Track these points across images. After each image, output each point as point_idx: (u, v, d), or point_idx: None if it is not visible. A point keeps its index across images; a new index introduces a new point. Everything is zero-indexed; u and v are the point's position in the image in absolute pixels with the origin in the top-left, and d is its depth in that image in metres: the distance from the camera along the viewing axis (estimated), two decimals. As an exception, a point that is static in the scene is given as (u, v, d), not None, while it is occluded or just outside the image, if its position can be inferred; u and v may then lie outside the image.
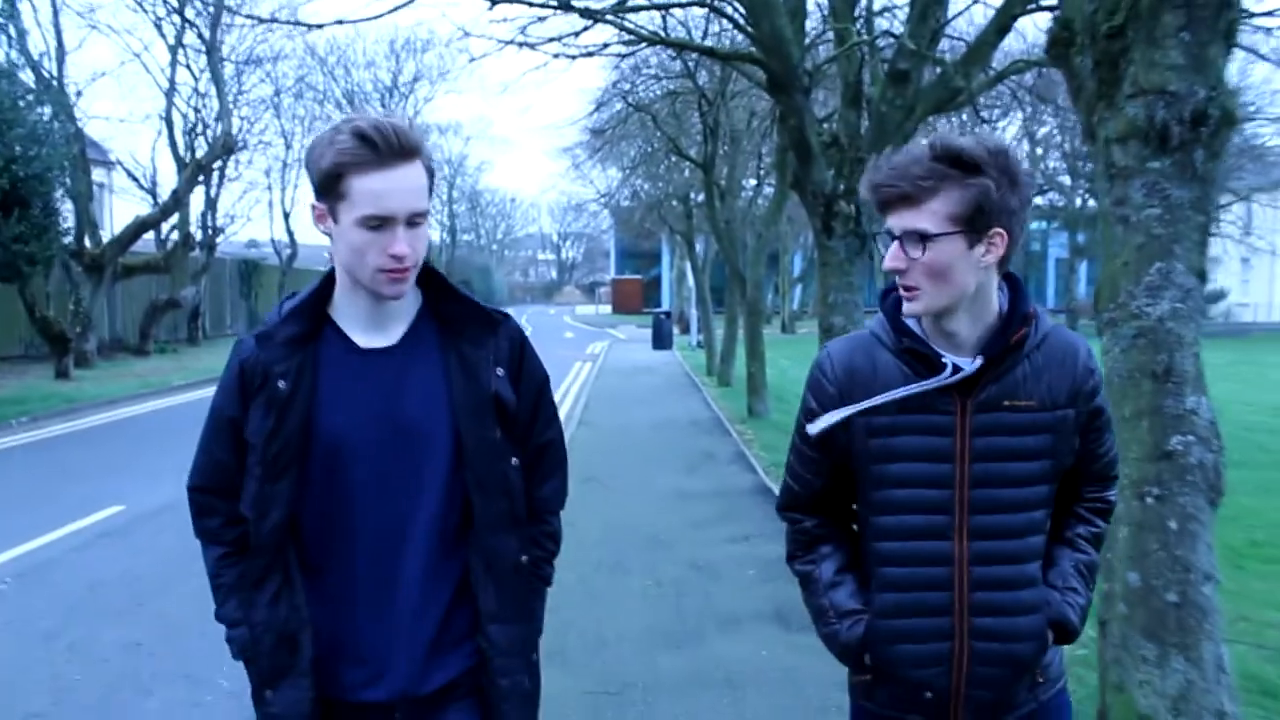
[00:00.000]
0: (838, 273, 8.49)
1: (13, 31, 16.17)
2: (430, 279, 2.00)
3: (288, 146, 35.50)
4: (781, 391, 17.07)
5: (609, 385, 20.43)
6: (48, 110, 16.63)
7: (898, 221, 1.87)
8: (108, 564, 7.18)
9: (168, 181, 28.27)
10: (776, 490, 7.84)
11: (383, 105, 42.37)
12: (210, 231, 29.10)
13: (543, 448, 2.15)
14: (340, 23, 9.18)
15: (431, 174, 1.90)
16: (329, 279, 1.99)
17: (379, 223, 1.82)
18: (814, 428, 2.00)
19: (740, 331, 18.26)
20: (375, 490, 1.94)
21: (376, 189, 1.80)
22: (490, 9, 9.22)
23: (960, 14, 10.30)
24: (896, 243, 1.87)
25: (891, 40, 8.73)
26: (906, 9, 9.18)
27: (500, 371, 2.01)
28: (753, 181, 20.23)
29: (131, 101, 63.73)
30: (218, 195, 29.57)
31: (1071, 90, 4.38)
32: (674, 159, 19.75)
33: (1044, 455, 1.96)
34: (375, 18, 9.34)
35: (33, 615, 6.08)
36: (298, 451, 1.93)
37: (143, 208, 27.52)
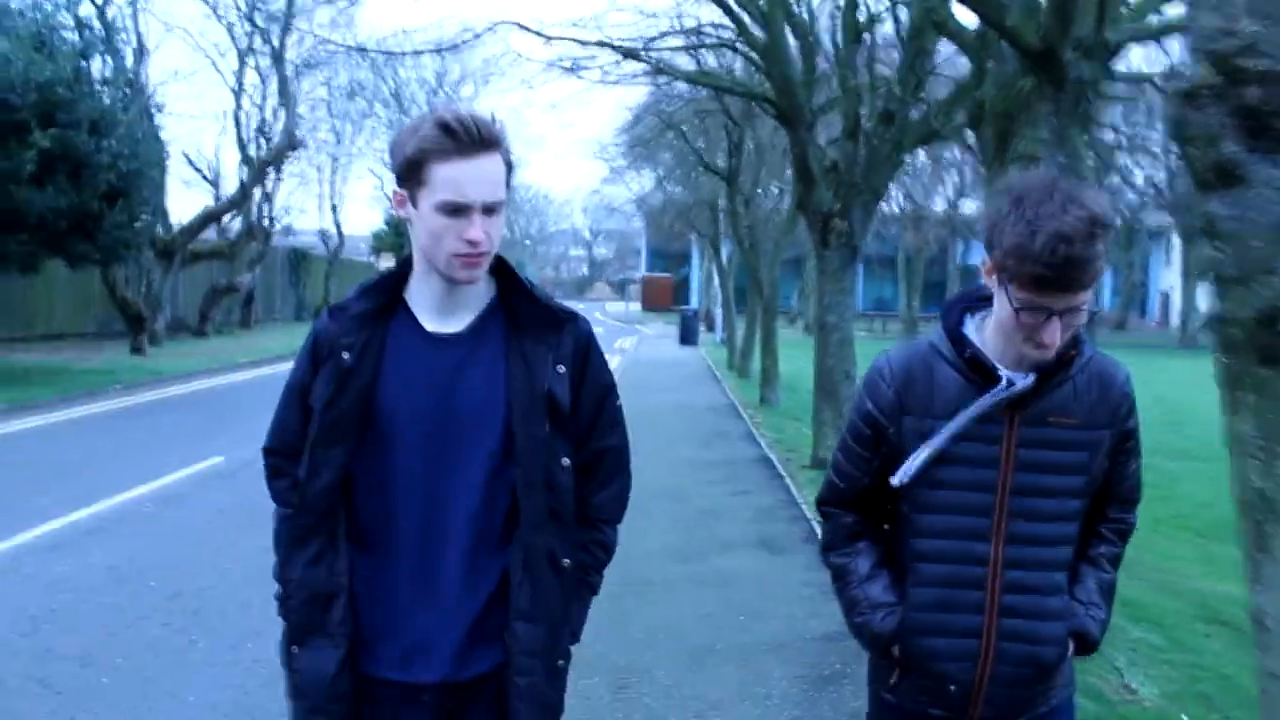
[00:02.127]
0: (833, 279, 10.12)
1: (109, 45, 18.02)
2: (504, 272, 2.06)
3: (339, 143, 37.38)
4: (794, 384, 18.69)
5: (637, 376, 22.10)
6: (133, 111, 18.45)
7: (1064, 301, 1.88)
8: (225, 496, 8.87)
9: (228, 174, 30.20)
10: (776, 460, 9.66)
11: (427, 105, 44.12)
12: (268, 222, 31.06)
13: (602, 453, 2.14)
14: (418, 53, 10.88)
15: (510, 167, 1.96)
16: (407, 262, 2.06)
17: (456, 209, 1.87)
18: (898, 479, 2.07)
19: (758, 329, 19.89)
20: (420, 473, 1.98)
21: (455, 176, 1.86)
22: (547, 45, 10.94)
23: (944, 61, 11.81)
24: (1056, 319, 1.90)
25: (886, 83, 10.30)
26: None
27: (561, 369, 2.03)
28: (775, 191, 21.80)
29: (201, 100, 66.42)
30: (275, 188, 31.56)
31: (980, 151, 6.00)
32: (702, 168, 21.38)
33: (1080, 471, 2.05)
34: (455, 48, 10.99)
35: (180, 529, 7.79)
36: (354, 423, 1.98)
37: (201, 197, 29.49)
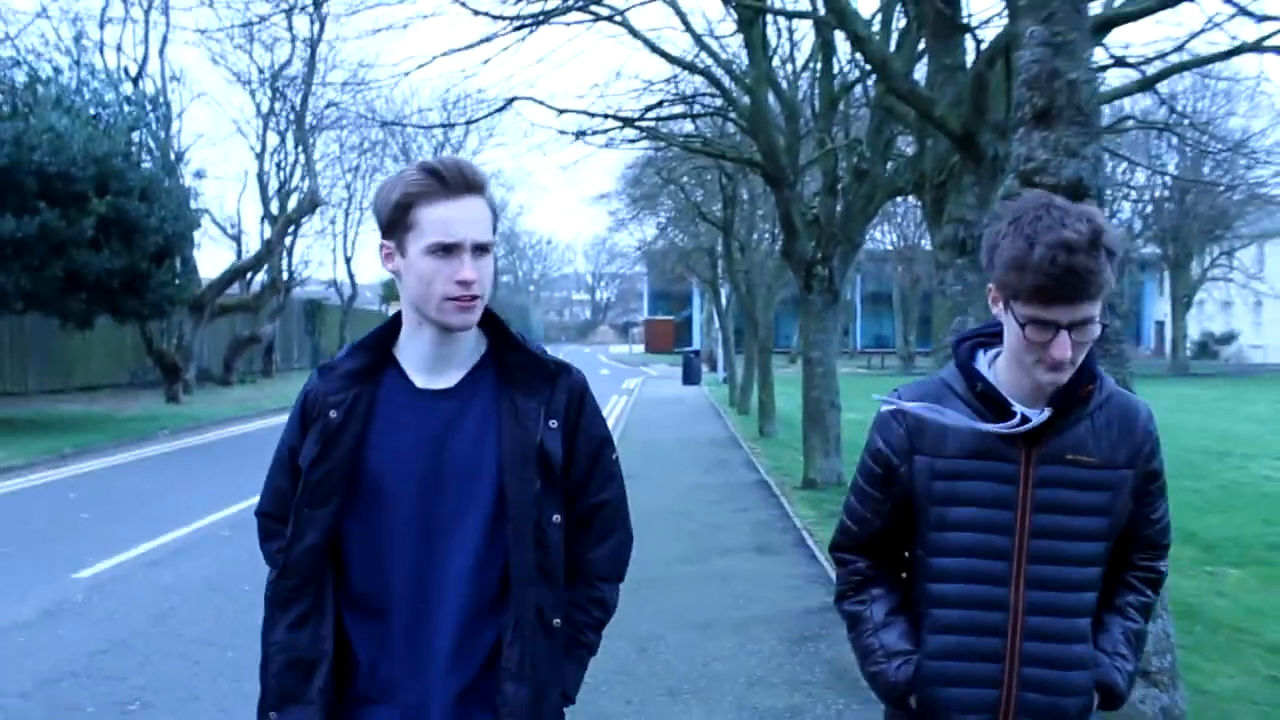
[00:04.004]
0: (816, 319, 11.42)
1: (153, 120, 19.58)
2: (494, 326, 2.03)
3: (350, 198, 38.99)
4: (791, 418, 19.93)
5: (643, 414, 23.40)
6: (174, 179, 19.95)
7: (1070, 313, 1.82)
8: (288, 522, 10.11)
9: (248, 230, 31.59)
10: (773, 484, 11.07)
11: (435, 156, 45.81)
12: (288, 275, 32.58)
13: (597, 507, 2.11)
14: (448, 125, 12.22)
15: (495, 213, 1.96)
16: (397, 320, 2.04)
17: (447, 249, 1.86)
18: (889, 404, 2.05)
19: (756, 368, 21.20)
20: (414, 532, 1.96)
21: (444, 216, 1.86)
22: (558, 116, 12.29)
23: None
24: (1065, 333, 1.83)
25: (859, 144, 11.66)
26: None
27: (553, 424, 2.01)
28: (768, 238, 23.23)
29: (225, 161, 68.85)
30: (293, 243, 33.06)
31: (924, 213, 7.30)
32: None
33: (1102, 512, 1.97)
34: (477, 120, 12.36)
35: (255, 548, 9.00)
36: (341, 482, 1.96)
37: (223, 252, 31.07)
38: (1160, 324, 57.42)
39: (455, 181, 1.87)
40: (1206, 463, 15.71)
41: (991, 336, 2.04)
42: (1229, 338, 56.29)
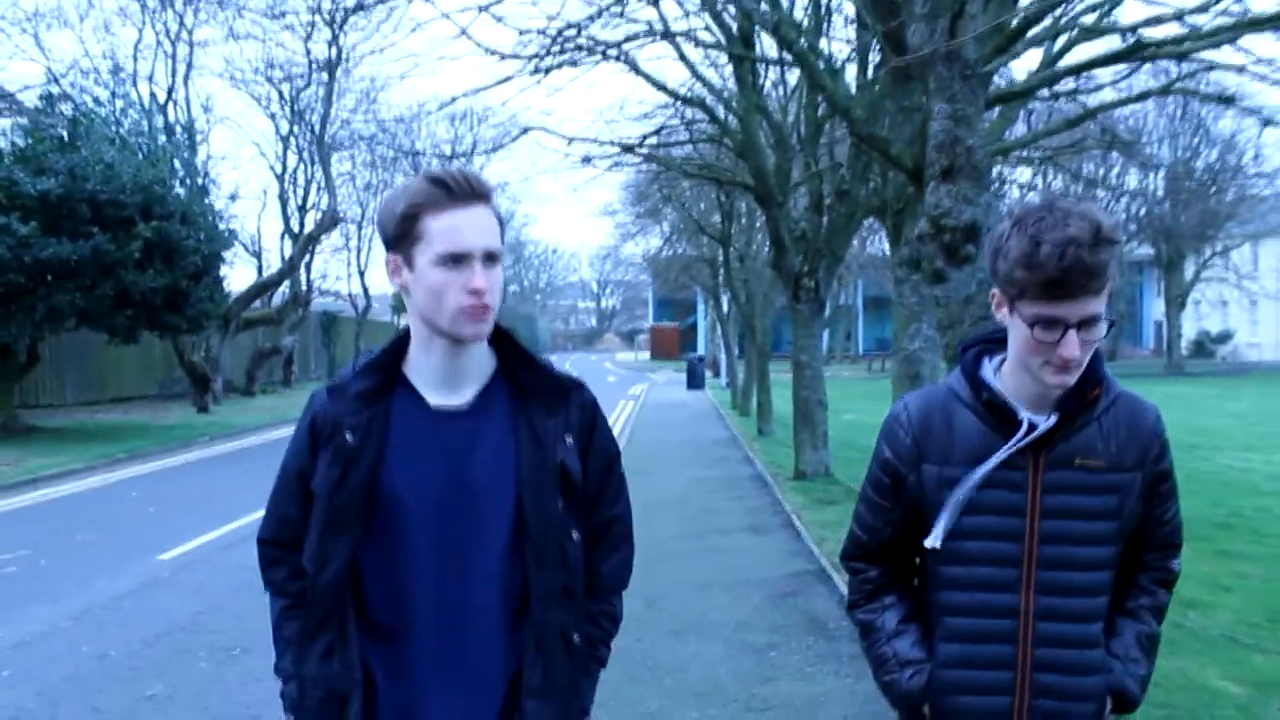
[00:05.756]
0: (804, 326, 12.61)
1: (185, 152, 20.90)
2: (504, 343, 2.02)
3: (363, 213, 40.31)
4: (787, 418, 21.13)
5: (650, 417, 24.64)
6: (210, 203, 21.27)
7: (1076, 309, 1.81)
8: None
9: (268, 246, 32.85)
10: (768, 476, 12.44)
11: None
12: (306, 288, 33.93)
13: (608, 522, 2.12)
14: (466, 155, 13.39)
15: (501, 222, 1.93)
16: (404, 336, 2.01)
17: (456, 258, 1.84)
18: (932, 541, 2.00)
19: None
20: (435, 553, 1.93)
21: (452, 225, 1.84)
22: (568, 144, 13.50)
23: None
24: (1074, 332, 1.81)
25: (840, 167, 12.84)
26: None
27: (569, 440, 2.00)
28: (766, 249, 24.51)
29: (246, 182, 70.39)
30: (312, 258, 34.36)
31: (887, 235, 8.49)
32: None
33: (1111, 516, 1.97)
34: (487, 152, 13.54)
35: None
36: (361, 507, 1.93)
37: (245, 268, 32.40)
38: (1160, 324, 58.37)
39: (462, 190, 1.86)
40: (1177, 454, 15.98)
41: (995, 342, 2.04)
42: (1225, 336, 57.15)
